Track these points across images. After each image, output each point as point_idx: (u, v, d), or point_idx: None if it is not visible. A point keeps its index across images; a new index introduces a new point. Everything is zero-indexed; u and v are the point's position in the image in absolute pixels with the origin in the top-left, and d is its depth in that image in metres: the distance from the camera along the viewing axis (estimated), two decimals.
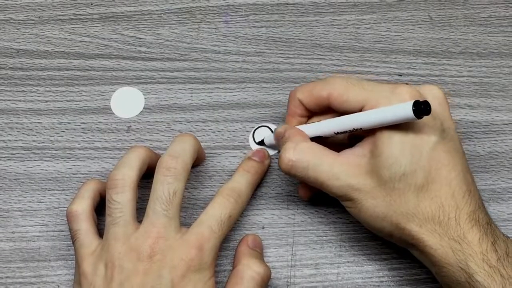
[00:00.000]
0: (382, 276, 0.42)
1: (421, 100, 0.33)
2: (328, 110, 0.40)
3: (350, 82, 0.38)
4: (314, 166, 0.37)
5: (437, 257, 0.35)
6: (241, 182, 0.41)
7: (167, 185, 0.37)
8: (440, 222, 0.35)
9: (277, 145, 0.43)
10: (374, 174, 0.36)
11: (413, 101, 0.33)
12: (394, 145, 0.35)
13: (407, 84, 0.37)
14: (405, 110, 0.33)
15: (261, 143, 0.46)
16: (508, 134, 0.47)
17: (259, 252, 0.41)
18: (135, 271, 0.35)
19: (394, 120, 0.34)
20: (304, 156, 0.38)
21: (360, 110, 0.37)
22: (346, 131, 0.38)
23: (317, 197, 0.44)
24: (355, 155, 0.37)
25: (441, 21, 0.51)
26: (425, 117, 0.34)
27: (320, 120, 0.40)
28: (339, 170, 0.37)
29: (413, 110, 0.33)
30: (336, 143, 0.41)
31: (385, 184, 0.36)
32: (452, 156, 0.36)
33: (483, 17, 0.51)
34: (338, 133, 0.38)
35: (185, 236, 0.37)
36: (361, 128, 0.36)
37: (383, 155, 0.35)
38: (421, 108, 0.33)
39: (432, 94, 0.37)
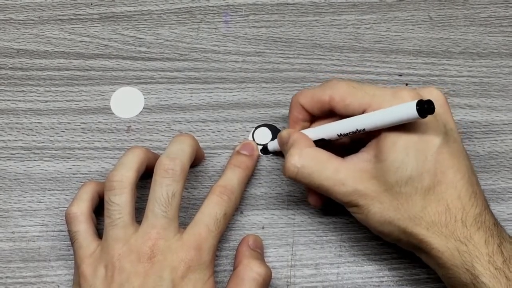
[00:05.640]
0: (382, 276, 0.42)
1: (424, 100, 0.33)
2: (331, 114, 0.40)
3: (352, 85, 0.38)
4: (319, 172, 0.37)
5: (443, 259, 0.35)
6: (233, 178, 0.41)
7: (166, 187, 0.37)
8: (447, 224, 0.35)
9: (282, 150, 0.42)
10: (380, 178, 0.36)
11: (416, 101, 0.33)
12: (399, 149, 0.35)
13: (406, 85, 0.37)
14: (409, 110, 0.33)
15: (265, 149, 0.45)
16: (508, 134, 0.47)
17: (259, 253, 0.40)
18: (135, 272, 0.35)
19: (399, 120, 0.34)
20: (310, 162, 0.37)
21: (362, 114, 0.37)
22: (349, 133, 0.37)
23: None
24: (360, 160, 0.37)
25: (441, 21, 0.51)
26: (428, 120, 0.34)
27: (323, 124, 0.40)
28: (344, 176, 0.36)
29: (417, 110, 0.33)
30: (340, 147, 0.41)
31: (392, 189, 0.36)
32: (457, 158, 0.36)
33: (483, 17, 0.51)
34: (341, 135, 0.38)
35: (183, 237, 0.37)
36: (364, 129, 0.36)
37: (389, 160, 0.35)
38: (425, 107, 0.33)
39: (432, 96, 0.36)
